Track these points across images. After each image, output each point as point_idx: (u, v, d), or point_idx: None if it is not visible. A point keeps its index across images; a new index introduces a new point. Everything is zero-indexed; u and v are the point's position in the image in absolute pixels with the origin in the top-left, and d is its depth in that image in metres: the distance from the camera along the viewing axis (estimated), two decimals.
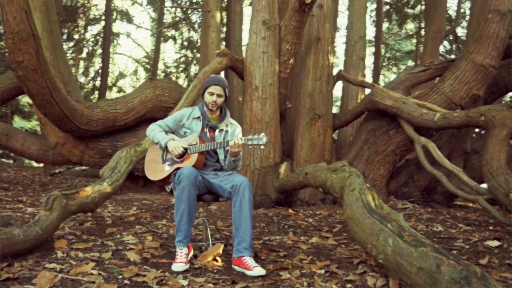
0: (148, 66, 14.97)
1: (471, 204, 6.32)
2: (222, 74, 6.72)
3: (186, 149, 2.94)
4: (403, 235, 1.99)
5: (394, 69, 16.06)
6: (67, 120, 4.98)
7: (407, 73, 5.89)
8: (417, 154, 4.87)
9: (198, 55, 14.33)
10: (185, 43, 14.29)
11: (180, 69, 14.71)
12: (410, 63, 14.29)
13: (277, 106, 5.33)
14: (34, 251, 2.63)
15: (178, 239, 2.69)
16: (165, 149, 3.01)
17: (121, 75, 13.51)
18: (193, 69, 15.20)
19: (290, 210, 5.06)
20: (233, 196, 2.73)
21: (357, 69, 6.66)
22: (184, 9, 10.47)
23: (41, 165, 12.78)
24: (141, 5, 14.08)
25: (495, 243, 3.52)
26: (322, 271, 2.63)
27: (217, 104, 3.00)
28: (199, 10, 8.15)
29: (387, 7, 13.48)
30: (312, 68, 5.71)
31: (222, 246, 2.83)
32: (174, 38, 14.12)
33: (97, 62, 13.24)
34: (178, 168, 2.91)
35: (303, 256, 3.05)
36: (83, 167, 10.20)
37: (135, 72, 14.78)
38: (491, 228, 4.40)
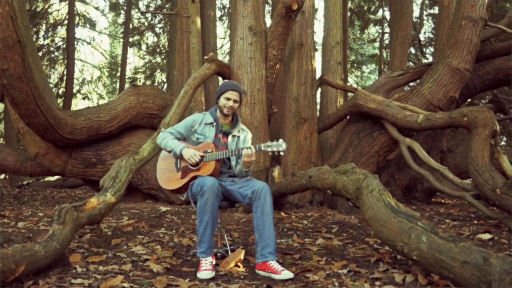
0: (113, 72, 14.59)
1: (447, 201, 6.66)
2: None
3: (202, 156, 2.91)
4: (437, 232, 2.10)
5: (357, 72, 16.62)
6: (52, 130, 4.79)
7: (386, 77, 6.14)
8: (403, 154, 5.08)
9: (165, 61, 14.21)
10: (150, 49, 14.06)
11: (146, 74, 14.44)
12: (374, 66, 14.82)
13: (265, 111, 5.39)
14: (52, 266, 2.53)
15: (201, 250, 2.67)
16: (179, 157, 2.96)
17: (85, 82, 13.07)
18: (159, 75, 14.99)
19: (282, 213, 5.12)
20: (254, 201, 2.74)
21: (335, 74, 6.83)
22: (158, 14, 10.29)
23: (4, 176, 12.12)
24: (102, 11, 13.73)
25: (487, 236, 3.74)
26: (345, 271, 2.70)
27: (233, 109, 3.01)
28: (174, 15, 8.06)
29: (349, 13, 13.92)
30: (296, 73, 5.83)
31: (243, 252, 2.83)
32: (139, 44, 13.86)
33: (60, 69, 12.74)
34: (194, 177, 2.89)
35: (317, 257, 3.11)
36: (52, 178, 9.83)
37: (99, 79, 14.36)
38: (475, 222, 4.67)
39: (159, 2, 13.49)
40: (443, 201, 6.80)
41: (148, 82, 14.22)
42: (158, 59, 14.52)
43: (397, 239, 2.34)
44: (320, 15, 13.52)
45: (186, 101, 4.69)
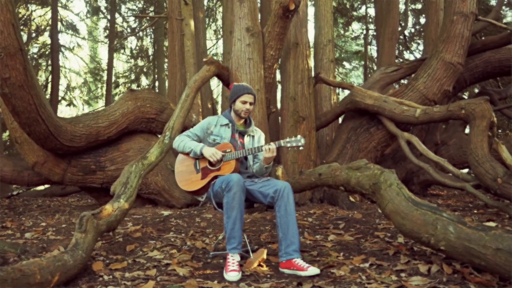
0: (97, 77, 14.39)
1: (442, 193, 6.82)
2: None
3: (222, 156, 2.95)
4: (465, 222, 2.17)
5: (340, 69, 16.79)
6: (52, 138, 4.72)
7: (381, 73, 6.24)
8: (402, 148, 5.19)
9: (150, 65, 14.11)
10: (134, 53, 13.93)
11: (131, 79, 14.30)
12: (357, 62, 15.02)
13: (265, 111, 5.42)
14: (78, 275, 2.51)
15: (232, 246, 2.69)
16: (200, 156, 2.99)
17: (70, 88, 12.84)
18: (143, 79, 14.85)
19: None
20: (277, 200, 2.78)
21: (328, 71, 6.92)
22: (145, 18, 10.19)
23: None
24: (82, 17, 13.52)
25: (491, 224, 3.86)
26: (367, 265, 2.76)
27: (249, 112, 3.06)
28: (163, 18, 8.03)
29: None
30: (293, 72, 5.88)
31: (265, 252, 2.86)
32: (123, 48, 13.71)
33: (44, 76, 12.50)
34: (215, 177, 2.91)
35: (334, 253, 3.16)
36: (42, 187, 9.64)
37: (84, 84, 14.14)
38: (475, 211, 4.81)
39: (140, 6, 13.42)
40: (439, 193, 6.96)
41: (133, 86, 14.08)
42: (141, 63, 14.41)
43: (422, 230, 2.40)
44: (310, 14, 13.65)
45: (188, 104, 4.68)
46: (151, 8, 12.72)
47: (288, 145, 2.84)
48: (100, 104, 15.69)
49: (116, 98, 13.52)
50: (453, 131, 6.49)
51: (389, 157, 6.44)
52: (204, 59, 5.17)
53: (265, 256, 2.84)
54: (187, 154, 3.07)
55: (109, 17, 12.71)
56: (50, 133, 4.65)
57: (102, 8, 13.56)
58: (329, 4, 7.15)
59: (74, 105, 12.78)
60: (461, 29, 5.44)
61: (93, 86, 15.01)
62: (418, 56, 12.23)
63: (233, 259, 2.66)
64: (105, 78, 14.14)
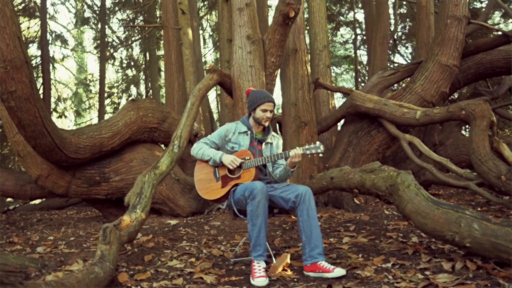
0: (88, 88, 14.28)
1: (442, 192, 6.94)
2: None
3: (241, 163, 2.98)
4: (489, 219, 2.25)
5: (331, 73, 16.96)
6: (58, 150, 4.68)
7: (378, 77, 6.36)
8: (404, 150, 5.28)
9: (142, 74, 14.07)
10: (125, 62, 13.89)
11: (121, 89, 14.24)
12: (348, 66, 15.23)
13: None
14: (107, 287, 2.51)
15: (258, 254, 2.72)
16: (219, 164, 3.01)
17: (61, 100, 12.73)
18: (134, 88, 14.79)
19: (293, 217, 5.20)
20: (299, 205, 2.82)
21: (325, 76, 7.02)
22: (141, 27, 10.15)
23: None
24: (75, 28, 13.44)
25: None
26: (389, 265, 2.81)
27: (270, 120, 3.10)
28: (158, 27, 8.04)
29: None
30: (293, 78, 5.96)
31: (289, 256, 2.90)
32: (113, 58, 13.67)
33: None
34: (236, 185, 2.94)
35: (353, 255, 3.21)
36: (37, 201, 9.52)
37: (75, 95, 14.02)
38: (479, 209, 4.92)
39: (130, 15, 13.39)
40: (436, 192, 7.08)
41: (124, 96, 14.03)
42: (131, 73, 14.36)
43: (445, 229, 2.47)
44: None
45: (194, 112, 4.71)
46: (140, 18, 12.70)
47: (308, 152, 2.89)
48: (93, 115, 15.58)
49: (108, 108, 13.45)
50: (450, 132, 6.62)
51: (389, 159, 6.54)
52: (207, 68, 5.21)
53: (288, 261, 2.88)
54: (206, 161, 3.09)
55: (99, 26, 12.65)
56: (56, 146, 4.62)
57: (91, 19, 13.49)
58: (323, 11, 7.26)
59: (65, 117, 12.66)
60: (455, 32, 5.59)
61: (84, 96, 14.89)
62: (407, 59, 12.47)
63: (259, 266, 2.69)
64: (94, 88, 14.06)
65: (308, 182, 4.19)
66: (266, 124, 3.11)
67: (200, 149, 3.10)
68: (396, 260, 2.87)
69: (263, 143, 3.16)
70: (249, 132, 3.13)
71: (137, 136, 5.71)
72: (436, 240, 2.82)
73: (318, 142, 2.90)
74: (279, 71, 5.83)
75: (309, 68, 6.08)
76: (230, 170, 3.03)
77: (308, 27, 7.49)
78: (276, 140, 3.25)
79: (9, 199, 10.52)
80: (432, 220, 2.56)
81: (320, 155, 2.89)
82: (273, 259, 2.98)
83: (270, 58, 5.51)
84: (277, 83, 5.96)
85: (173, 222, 5.40)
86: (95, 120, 14.64)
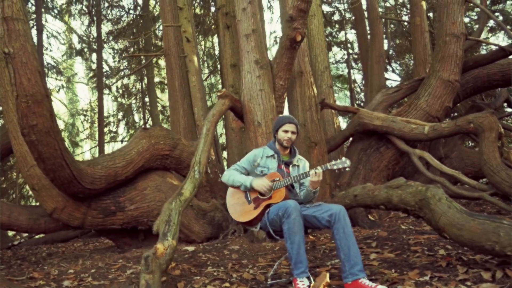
0: (85, 117, 14.32)
1: None
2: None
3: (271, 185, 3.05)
4: None
5: None
6: (76, 182, 4.69)
7: (383, 95, 6.53)
8: (415, 164, 5.39)
9: (139, 102, 14.13)
10: (121, 91, 13.99)
11: (118, 118, 14.29)
12: (341, 85, 15.51)
13: None
14: None
15: (301, 271, 2.76)
16: (250, 189, 3.07)
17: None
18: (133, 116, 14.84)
19: (310, 237, 5.23)
20: (335, 224, 2.87)
21: (328, 96, 7.18)
22: (148, 56, 10.26)
23: None
24: (70, 58, 13.55)
25: None
26: (427, 278, 2.86)
27: (292, 141, 3.18)
28: (159, 55, 8.18)
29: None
30: (300, 100, 6.09)
31: (327, 275, 2.93)
32: (109, 88, 13.75)
33: None
34: (268, 205, 3.00)
35: (386, 270, 3.25)
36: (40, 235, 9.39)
37: (72, 126, 14.02)
38: None
39: (124, 45, 13.56)
40: None
41: (122, 124, 14.07)
42: (127, 101, 14.44)
43: (483, 239, 2.54)
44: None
45: (210, 137, 4.77)
46: (135, 46, 12.88)
47: (335, 167, 2.97)
48: (92, 144, 15.54)
49: (107, 137, 13.45)
50: (453, 145, 6.77)
51: (398, 174, 6.64)
52: (218, 94, 5.30)
53: (328, 280, 2.90)
54: (237, 187, 3.15)
55: (94, 56, 12.77)
56: (74, 177, 4.63)
57: (86, 50, 13.63)
58: (322, 33, 7.48)
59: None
60: (455, 49, 5.80)
61: (81, 127, 14.90)
62: (400, 75, 12.78)
63: (302, 283, 2.73)
64: (91, 118, 14.07)
65: (330, 201, 4.24)
66: (288, 145, 3.19)
67: (230, 176, 3.18)
68: (432, 273, 2.92)
69: (290, 166, 3.24)
70: (276, 155, 3.21)
71: (150, 164, 5.73)
72: (474, 251, 2.88)
73: (344, 158, 2.99)
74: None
75: (315, 89, 6.23)
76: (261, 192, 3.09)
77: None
78: (302, 163, 3.34)
79: (11, 233, 10.36)
80: (469, 231, 2.63)
81: (347, 169, 2.98)
82: (311, 278, 3.00)
83: (279, 81, 5.63)
84: (285, 105, 6.07)
85: (190, 248, 5.38)
86: (95, 150, 14.60)
